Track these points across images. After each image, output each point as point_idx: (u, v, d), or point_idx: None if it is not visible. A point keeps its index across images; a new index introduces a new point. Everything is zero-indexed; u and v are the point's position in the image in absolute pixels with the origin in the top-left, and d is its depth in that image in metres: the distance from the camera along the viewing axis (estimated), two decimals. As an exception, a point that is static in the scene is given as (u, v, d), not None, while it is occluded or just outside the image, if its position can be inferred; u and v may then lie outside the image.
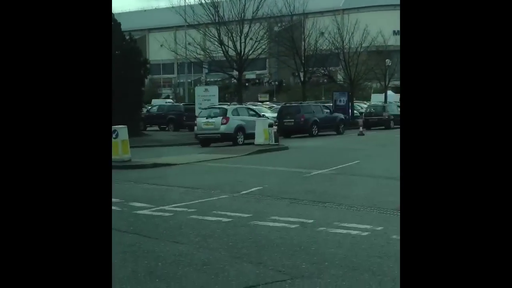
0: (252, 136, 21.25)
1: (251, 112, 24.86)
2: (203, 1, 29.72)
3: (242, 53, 28.97)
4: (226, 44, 29.18)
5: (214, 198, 9.80)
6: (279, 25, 32.80)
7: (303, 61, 33.22)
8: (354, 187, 10.98)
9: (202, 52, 30.73)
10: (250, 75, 78.00)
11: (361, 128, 28.79)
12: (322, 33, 35.38)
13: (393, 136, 26.93)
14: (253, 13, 29.43)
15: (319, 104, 32.94)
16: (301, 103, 31.15)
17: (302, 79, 34.34)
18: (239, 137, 22.19)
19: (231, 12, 29.57)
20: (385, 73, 42.81)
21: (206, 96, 27.45)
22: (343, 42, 35.53)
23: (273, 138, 19.93)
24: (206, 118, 23.10)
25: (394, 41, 64.75)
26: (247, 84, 75.54)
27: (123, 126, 15.64)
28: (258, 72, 79.92)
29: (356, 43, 36.18)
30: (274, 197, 9.78)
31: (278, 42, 33.46)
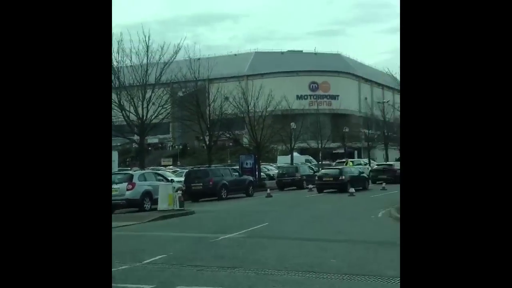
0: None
1: (159, 177, 24.22)
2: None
3: (144, 117, 28.33)
4: (127, 109, 28.46)
5: (113, 269, 8.88)
6: (183, 90, 32.62)
7: (208, 126, 33.01)
8: (264, 251, 10.50)
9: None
10: (152, 139, 77.16)
11: (268, 190, 28.83)
12: (227, 98, 35.52)
13: (301, 196, 27.26)
14: (156, 78, 29.05)
15: (227, 167, 33.05)
16: (208, 166, 30.78)
17: (207, 143, 34.01)
18: (146, 203, 21.19)
19: (131, 77, 29.05)
20: (290, 135, 43.54)
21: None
22: (248, 107, 35.84)
23: (178, 203, 19.13)
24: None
25: (298, 105, 67.12)
26: (149, 148, 74.40)
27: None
28: (161, 136, 79.14)
29: (261, 108, 36.63)
30: (180, 265, 9.10)
31: (182, 107, 33.14)
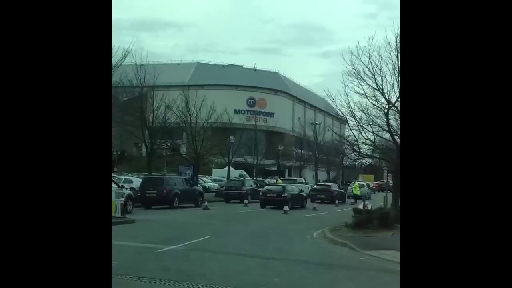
0: None
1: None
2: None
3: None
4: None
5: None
6: (128, 94, 32.37)
7: (149, 133, 32.88)
8: (209, 264, 10.82)
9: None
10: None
11: (206, 202, 29.18)
12: (168, 107, 35.40)
13: (237, 211, 27.66)
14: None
15: (180, 177, 33.49)
16: (149, 174, 30.73)
17: (148, 150, 33.88)
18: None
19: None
20: (229, 149, 44.02)
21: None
22: (190, 117, 36.00)
23: (120, 210, 19.10)
24: None
25: (236, 119, 67.59)
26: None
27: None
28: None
29: (203, 119, 36.89)
30: (126, 276, 9.22)
31: (125, 112, 32.88)
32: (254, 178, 51.95)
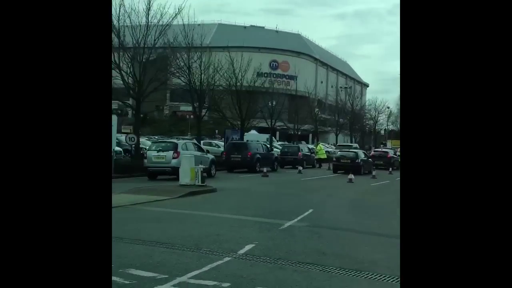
0: None
1: (196, 148, 25.38)
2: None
3: (142, 81, 26.59)
4: (125, 71, 26.59)
5: (219, 262, 7.86)
6: (178, 55, 30.71)
7: (200, 96, 31.54)
8: (357, 246, 9.65)
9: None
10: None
11: (265, 169, 28.22)
12: (216, 69, 33.77)
13: (301, 179, 26.82)
14: (154, 40, 27.18)
15: (260, 142, 34.14)
16: (196, 137, 29.79)
17: (197, 113, 32.56)
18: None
19: (131, 37, 27.07)
20: (272, 112, 42.73)
21: (102, 126, 24.46)
22: (236, 80, 34.65)
23: (200, 179, 17.97)
24: (157, 152, 23.09)
25: (260, 82, 65.99)
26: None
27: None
28: (120, 103, 76.37)
29: (250, 82, 35.53)
30: (290, 261, 7.99)
31: (174, 74, 31.38)
32: (280, 142, 50.80)
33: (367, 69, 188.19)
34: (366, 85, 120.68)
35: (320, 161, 39.96)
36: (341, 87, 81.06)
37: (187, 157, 19.38)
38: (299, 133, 62.85)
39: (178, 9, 28.13)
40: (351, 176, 25.82)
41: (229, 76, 35.03)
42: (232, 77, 34.88)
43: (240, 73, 35.02)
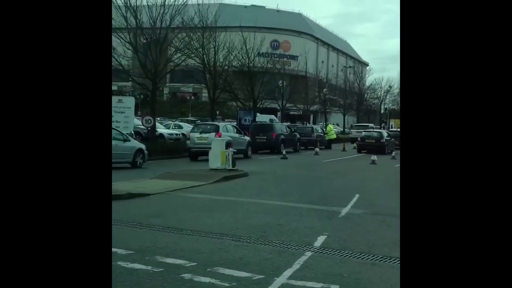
0: (239, 151, 23.52)
1: (235, 130, 26.45)
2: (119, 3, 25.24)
3: (158, 62, 25.70)
4: (141, 51, 25.65)
5: (304, 257, 7.21)
6: (193, 35, 29.69)
7: (213, 77, 30.67)
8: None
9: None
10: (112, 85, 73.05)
11: (284, 151, 27.78)
12: (229, 50, 32.77)
13: (322, 160, 26.29)
14: (170, 20, 26.16)
15: (284, 123, 34.52)
16: (210, 119, 29.21)
17: (211, 95, 31.72)
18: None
19: (147, 17, 26.08)
20: (283, 93, 41.93)
21: (120, 108, 23.79)
22: (248, 60, 33.75)
23: (230, 162, 17.26)
24: (200, 133, 24.35)
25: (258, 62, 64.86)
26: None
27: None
28: (120, 84, 75.14)
29: (263, 63, 34.67)
30: (378, 256, 7.27)
31: (188, 54, 30.34)
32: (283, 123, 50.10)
33: (364, 48, 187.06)
34: (366, 64, 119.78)
35: (331, 141, 39.34)
36: (345, 66, 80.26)
37: (217, 140, 18.71)
38: (301, 113, 62.09)
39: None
40: (374, 157, 25.21)
41: (241, 56, 34.13)
42: (245, 57, 34.00)
43: (252, 54, 34.13)
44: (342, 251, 7.56)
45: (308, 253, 7.40)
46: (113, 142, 17.92)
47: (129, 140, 20.05)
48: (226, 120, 45.95)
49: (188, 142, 24.84)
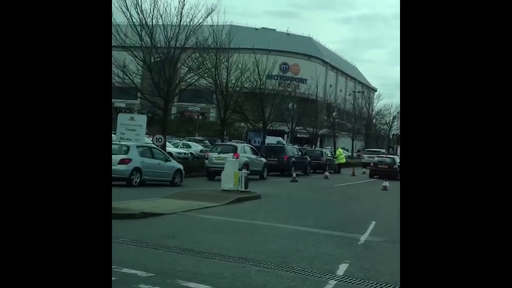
0: (255, 172, 24.58)
1: (252, 151, 26.94)
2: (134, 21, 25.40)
3: (171, 81, 25.66)
4: (155, 70, 25.62)
5: (328, 286, 7.00)
6: (206, 55, 29.75)
7: (225, 97, 30.61)
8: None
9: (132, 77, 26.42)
10: (119, 103, 73.08)
11: (294, 174, 27.61)
12: (241, 71, 32.74)
13: (333, 185, 26.06)
14: (185, 39, 26.13)
15: (295, 146, 34.43)
16: (220, 139, 29.00)
17: (221, 115, 31.60)
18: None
19: (161, 36, 26.10)
20: (293, 116, 41.79)
21: (131, 125, 23.69)
22: (260, 81, 33.74)
23: (243, 184, 17.05)
24: (218, 154, 24.83)
25: (270, 85, 64.99)
26: (118, 111, 70.10)
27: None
28: (128, 101, 75.19)
29: (274, 85, 34.61)
30: None
31: (202, 75, 30.23)
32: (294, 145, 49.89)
33: (372, 74, 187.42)
34: (374, 90, 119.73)
35: (340, 166, 39.09)
36: (353, 91, 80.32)
37: (231, 161, 18.53)
38: (308, 136, 61.80)
39: (211, 9, 27.03)
40: (386, 183, 24.94)
41: (254, 78, 34.13)
42: (257, 79, 34.01)
43: (264, 75, 34.14)
44: (367, 281, 7.33)
45: (332, 282, 7.17)
46: (157, 161, 20.17)
47: (170, 160, 21.47)
48: (233, 140, 45.98)
49: (206, 161, 25.46)
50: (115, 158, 17.99)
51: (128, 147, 19.65)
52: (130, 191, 17.10)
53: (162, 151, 22.60)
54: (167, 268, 7.28)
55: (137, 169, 19.00)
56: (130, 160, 18.91)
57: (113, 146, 19.06)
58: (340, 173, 37.26)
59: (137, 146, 20.39)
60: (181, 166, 21.73)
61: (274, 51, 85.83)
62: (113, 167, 17.35)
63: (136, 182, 18.97)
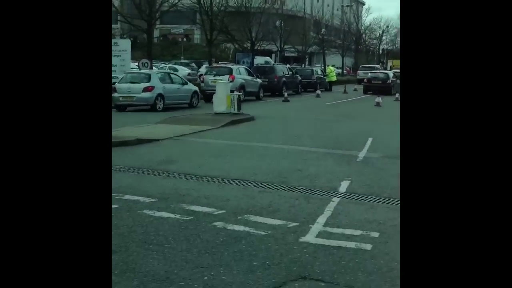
0: (251, 94, 25.17)
1: (247, 72, 26.64)
2: None
3: (153, 2, 24.70)
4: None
5: (333, 203, 6.93)
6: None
7: (210, 18, 29.65)
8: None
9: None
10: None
11: (286, 94, 27.38)
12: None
13: (325, 103, 25.87)
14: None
15: (286, 65, 33.58)
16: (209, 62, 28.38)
17: (208, 37, 30.75)
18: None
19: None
20: (281, 34, 40.93)
21: (115, 51, 23.01)
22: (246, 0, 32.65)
23: (236, 106, 16.80)
24: (214, 76, 24.44)
25: (255, 2, 63.32)
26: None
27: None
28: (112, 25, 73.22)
29: (260, 3, 33.55)
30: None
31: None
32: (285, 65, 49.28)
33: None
34: (363, 3, 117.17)
35: (331, 84, 38.75)
36: (341, 6, 78.44)
37: (222, 84, 18.18)
38: (296, 55, 60.90)
39: None
40: (379, 99, 24.79)
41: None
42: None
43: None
44: (369, 197, 7.29)
45: (336, 199, 7.12)
46: (176, 86, 21.06)
47: (187, 84, 22.11)
48: (220, 62, 45.12)
49: (202, 84, 25.13)
50: (139, 86, 19.37)
51: (149, 75, 20.52)
52: (157, 115, 17.83)
53: (179, 75, 23.41)
54: (169, 193, 7.18)
55: (160, 95, 19.88)
56: (153, 87, 19.66)
57: (133, 75, 20.87)
58: (331, 91, 36.98)
59: (157, 73, 21.65)
60: (197, 88, 22.55)
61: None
62: (138, 95, 19.29)
63: (159, 107, 19.83)
